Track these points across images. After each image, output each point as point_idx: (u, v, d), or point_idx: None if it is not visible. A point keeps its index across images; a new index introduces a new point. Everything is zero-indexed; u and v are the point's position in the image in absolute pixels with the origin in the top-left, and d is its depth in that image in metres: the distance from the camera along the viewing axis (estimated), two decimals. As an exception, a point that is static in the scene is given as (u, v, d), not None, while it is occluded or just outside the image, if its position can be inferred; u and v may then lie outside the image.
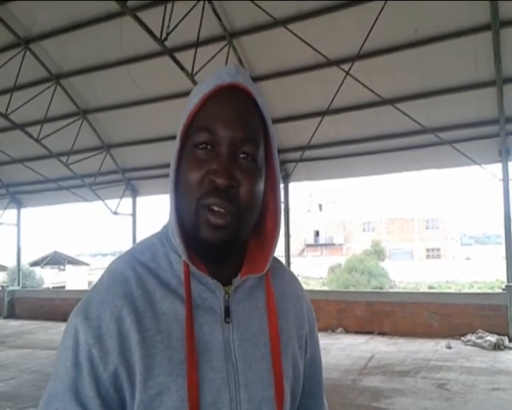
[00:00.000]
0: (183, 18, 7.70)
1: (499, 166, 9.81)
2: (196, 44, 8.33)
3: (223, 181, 0.81)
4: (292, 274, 1.06)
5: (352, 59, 8.26)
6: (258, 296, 0.93)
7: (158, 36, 7.66)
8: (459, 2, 7.82)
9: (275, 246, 0.93)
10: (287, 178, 11.76)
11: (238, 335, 0.88)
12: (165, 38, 7.67)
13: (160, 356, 0.81)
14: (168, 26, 7.59)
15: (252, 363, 0.87)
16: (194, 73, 8.41)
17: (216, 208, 0.81)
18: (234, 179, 0.82)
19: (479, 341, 8.79)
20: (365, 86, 8.10)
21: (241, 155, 0.84)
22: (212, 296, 0.88)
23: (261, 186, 0.88)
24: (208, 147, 0.84)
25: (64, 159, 11.88)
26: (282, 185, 12.11)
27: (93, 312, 0.82)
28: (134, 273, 0.86)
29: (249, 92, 0.86)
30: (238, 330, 0.88)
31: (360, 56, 8.25)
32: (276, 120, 10.80)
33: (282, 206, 0.92)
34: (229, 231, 0.83)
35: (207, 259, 0.86)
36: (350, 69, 8.16)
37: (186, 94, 9.89)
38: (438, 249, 46.52)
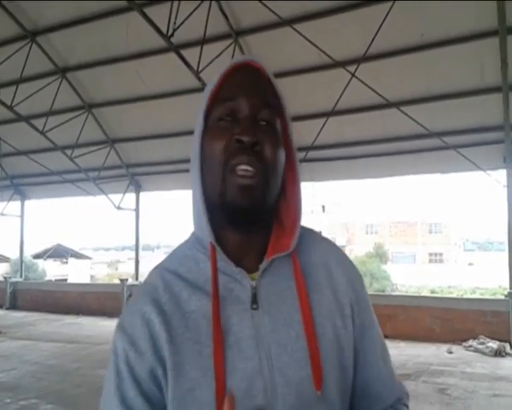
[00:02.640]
0: (190, 15, 7.70)
1: (504, 172, 9.78)
2: (202, 42, 8.32)
3: (248, 138, 0.84)
4: (327, 242, 1.03)
5: (357, 61, 8.22)
6: (288, 276, 0.92)
7: (164, 32, 7.66)
8: (466, 8, 7.79)
9: (299, 224, 0.93)
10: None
11: (270, 319, 0.87)
12: (172, 35, 7.66)
13: (189, 352, 0.84)
14: (175, 22, 7.59)
15: (286, 345, 0.86)
16: (199, 70, 8.41)
17: (243, 167, 0.84)
18: (258, 138, 0.86)
19: (480, 347, 8.77)
20: (371, 88, 8.08)
21: (261, 122, 0.88)
22: (239, 286, 0.89)
23: (282, 154, 0.91)
24: (230, 118, 0.88)
25: (69, 152, 11.91)
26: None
27: (126, 322, 0.89)
28: (162, 281, 0.91)
29: (264, 71, 0.93)
30: (270, 315, 0.88)
31: (366, 58, 8.21)
32: (281, 120, 10.80)
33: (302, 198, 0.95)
34: (256, 192, 0.85)
35: (236, 227, 0.89)
36: (356, 71, 8.13)
37: (191, 91, 9.86)
38: (440, 254, 46.40)
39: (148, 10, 7.80)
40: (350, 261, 1.02)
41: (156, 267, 0.95)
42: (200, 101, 0.92)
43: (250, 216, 0.87)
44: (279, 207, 0.96)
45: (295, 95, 10.05)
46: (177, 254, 0.96)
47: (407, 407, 1.02)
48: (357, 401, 0.98)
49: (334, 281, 0.96)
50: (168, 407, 0.84)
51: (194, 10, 7.79)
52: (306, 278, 0.92)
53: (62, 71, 11.01)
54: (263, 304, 0.88)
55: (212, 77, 0.92)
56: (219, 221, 0.89)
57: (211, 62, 8.40)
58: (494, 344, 8.73)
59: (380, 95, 8.23)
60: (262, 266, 0.90)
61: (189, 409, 0.82)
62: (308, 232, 1.00)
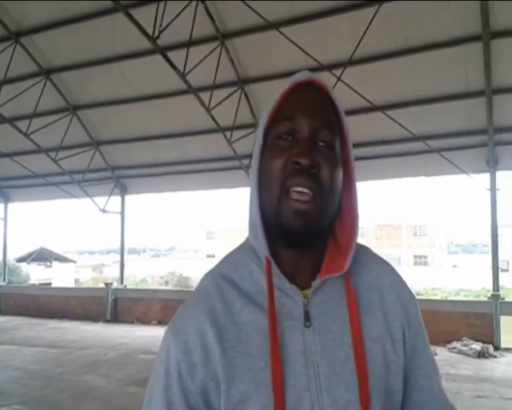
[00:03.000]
0: (176, 17, 7.67)
1: (487, 175, 9.91)
2: (188, 44, 8.31)
3: (306, 161, 0.84)
4: (383, 263, 1.02)
5: (343, 64, 8.28)
6: (340, 296, 0.92)
7: (150, 34, 7.62)
8: (451, 13, 7.89)
9: (354, 244, 0.93)
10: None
11: (320, 338, 0.88)
12: (158, 37, 7.63)
13: (241, 365, 0.85)
14: (161, 24, 7.56)
15: (335, 366, 0.86)
16: (185, 72, 8.39)
17: (300, 189, 0.85)
18: (315, 161, 0.86)
19: (464, 348, 8.86)
20: (356, 92, 8.13)
21: (320, 143, 0.88)
22: (291, 302, 0.89)
23: (340, 175, 0.90)
24: (289, 137, 0.88)
25: (53, 154, 11.79)
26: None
27: (180, 327, 0.90)
28: (216, 288, 0.92)
29: (325, 89, 0.92)
30: (320, 334, 0.88)
31: (352, 62, 8.27)
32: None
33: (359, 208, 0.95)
34: (311, 216, 0.85)
35: (290, 246, 0.90)
36: (341, 74, 8.18)
37: (177, 93, 9.80)
38: (425, 256, 46.80)
39: (134, 11, 7.76)
40: (404, 283, 1.01)
41: (211, 272, 0.97)
42: (261, 118, 0.94)
43: (304, 239, 0.88)
44: (335, 224, 0.96)
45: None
46: (231, 261, 0.97)
47: None
48: None
49: (386, 304, 0.95)
50: None
51: (180, 12, 7.77)
52: (358, 299, 0.92)
53: (47, 72, 10.90)
54: (314, 322, 0.88)
55: (272, 94, 0.93)
56: (274, 237, 0.90)
57: (197, 65, 8.39)
58: (478, 346, 8.83)
59: (365, 98, 8.29)
60: (314, 284, 0.90)
61: None
62: (362, 250, 1.00)
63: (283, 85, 0.92)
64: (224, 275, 0.94)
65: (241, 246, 0.98)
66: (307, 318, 0.88)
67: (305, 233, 0.87)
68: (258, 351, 0.85)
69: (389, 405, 0.90)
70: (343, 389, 0.85)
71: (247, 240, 0.97)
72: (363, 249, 1.01)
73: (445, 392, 1.02)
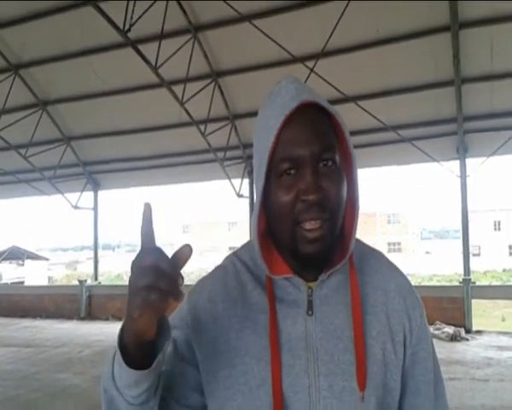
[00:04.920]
0: (147, 9, 7.59)
1: (457, 163, 10.13)
2: (160, 37, 8.22)
3: (314, 196, 0.86)
4: (393, 268, 1.05)
5: (316, 56, 8.33)
6: (345, 293, 0.95)
7: (121, 27, 7.51)
8: (420, 4, 8.00)
9: (353, 236, 0.94)
10: (251, 175, 11.78)
11: (321, 327, 0.92)
12: (129, 30, 7.52)
13: (246, 339, 0.93)
14: (131, 17, 7.46)
15: (334, 355, 0.91)
16: (157, 65, 8.30)
17: (313, 222, 0.87)
18: (322, 190, 0.87)
19: (436, 332, 9.05)
20: (329, 83, 8.19)
21: (322, 163, 0.88)
22: (297, 292, 0.95)
23: (344, 185, 0.91)
24: (292, 172, 0.88)
25: (23, 151, 11.54)
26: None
27: (196, 292, 1.01)
28: (233, 267, 1.01)
29: (315, 103, 0.92)
30: (321, 323, 0.93)
31: (324, 54, 8.32)
32: (240, 115, 10.82)
33: (360, 200, 0.95)
34: (325, 240, 0.88)
35: (308, 269, 0.94)
36: (314, 66, 8.23)
37: (150, 87, 9.62)
38: (399, 243, 47.56)
39: (104, 4, 7.62)
40: (412, 290, 1.03)
41: (231, 254, 1.05)
42: (257, 157, 0.92)
43: (321, 261, 0.92)
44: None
45: (255, 90, 10.04)
46: (248, 247, 1.02)
47: None
48: None
49: (390, 306, 0.98)
50: (219, 381, 0.92)
51: (151, 5, 7.68)
52: (363, 298, 0.95)
53: (15, 68, 10.65)
54: (316, 312, 0.93)
55: (266, 128, 0.90)
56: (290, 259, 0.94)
57: (170, 58, 8.31)
58: (450, 329, 9.05)
59: (338, 90, 8.36)
60: (321, 277, 0.94)
61: (242, 388, 0.91)
62: (374, 254, 1.04)
63: (271, 121, 0.88)
64: (241, 258, 1.02)
65: None
66: (310, 307, 0.93)
67: (321, 257, 0.90)
68: (263, 331, 0.92)
69: (386, 402, 0.94)
70: (340, 377, 0.90)
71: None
72: (376, 253, 1.05)
73: (446, 400, 1.03)
